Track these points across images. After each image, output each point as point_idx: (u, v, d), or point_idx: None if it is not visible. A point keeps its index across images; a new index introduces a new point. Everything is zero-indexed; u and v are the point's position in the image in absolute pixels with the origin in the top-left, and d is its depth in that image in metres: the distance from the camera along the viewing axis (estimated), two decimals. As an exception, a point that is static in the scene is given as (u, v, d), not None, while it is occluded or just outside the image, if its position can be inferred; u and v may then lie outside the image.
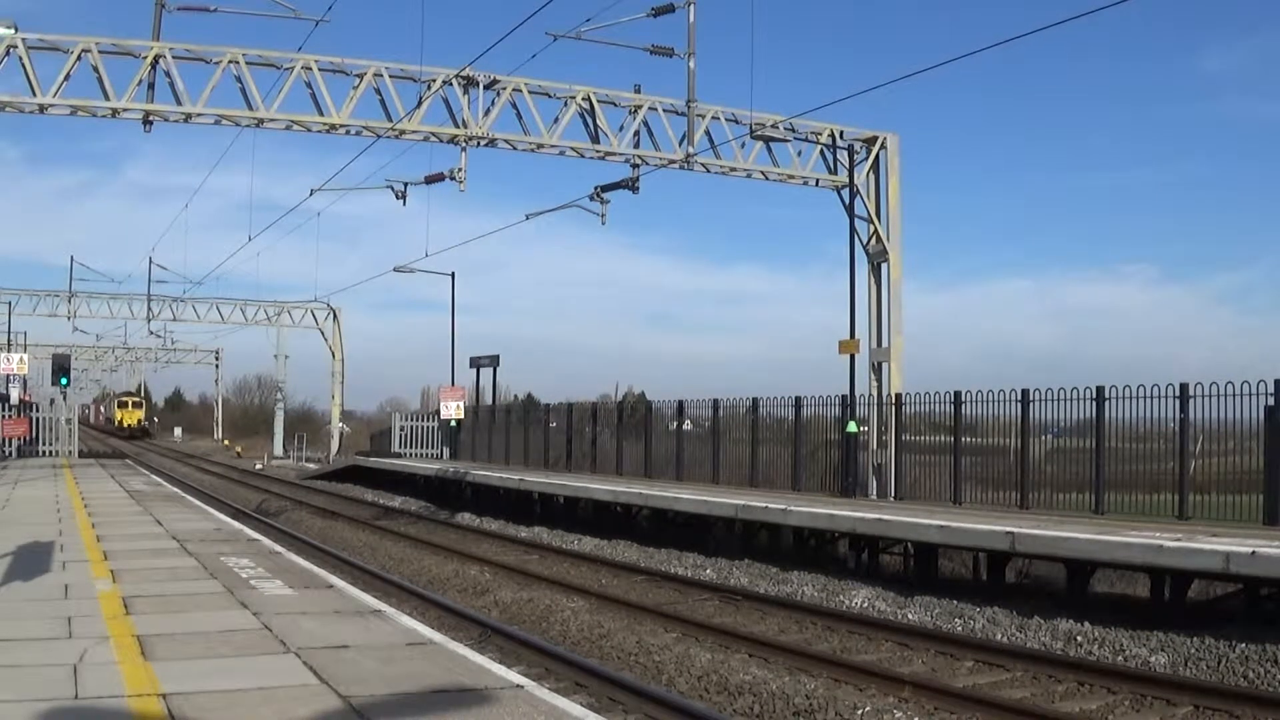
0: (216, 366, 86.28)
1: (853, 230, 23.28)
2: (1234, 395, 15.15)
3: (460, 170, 21.69)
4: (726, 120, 23.99)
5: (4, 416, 39.05)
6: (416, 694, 6.66)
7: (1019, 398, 18.28)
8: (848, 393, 22.01)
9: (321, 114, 21.44)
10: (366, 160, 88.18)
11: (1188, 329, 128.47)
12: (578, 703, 7.38)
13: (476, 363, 39.18)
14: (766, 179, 25.31)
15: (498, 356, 38.69)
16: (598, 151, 23.33)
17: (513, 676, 7.44)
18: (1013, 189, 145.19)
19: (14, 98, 19.91)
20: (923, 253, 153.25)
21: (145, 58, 20.31)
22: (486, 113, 22.30)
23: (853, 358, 22.20)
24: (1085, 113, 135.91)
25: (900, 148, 25.46)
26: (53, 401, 46.82)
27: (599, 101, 23.09)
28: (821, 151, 25.03)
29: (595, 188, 23.09)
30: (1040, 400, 18.03)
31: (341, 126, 21.72)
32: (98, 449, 61.24)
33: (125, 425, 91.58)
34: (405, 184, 22.37)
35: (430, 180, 21.98)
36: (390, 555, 20.10)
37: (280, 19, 20.21)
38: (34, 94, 19.82)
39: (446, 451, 38.22)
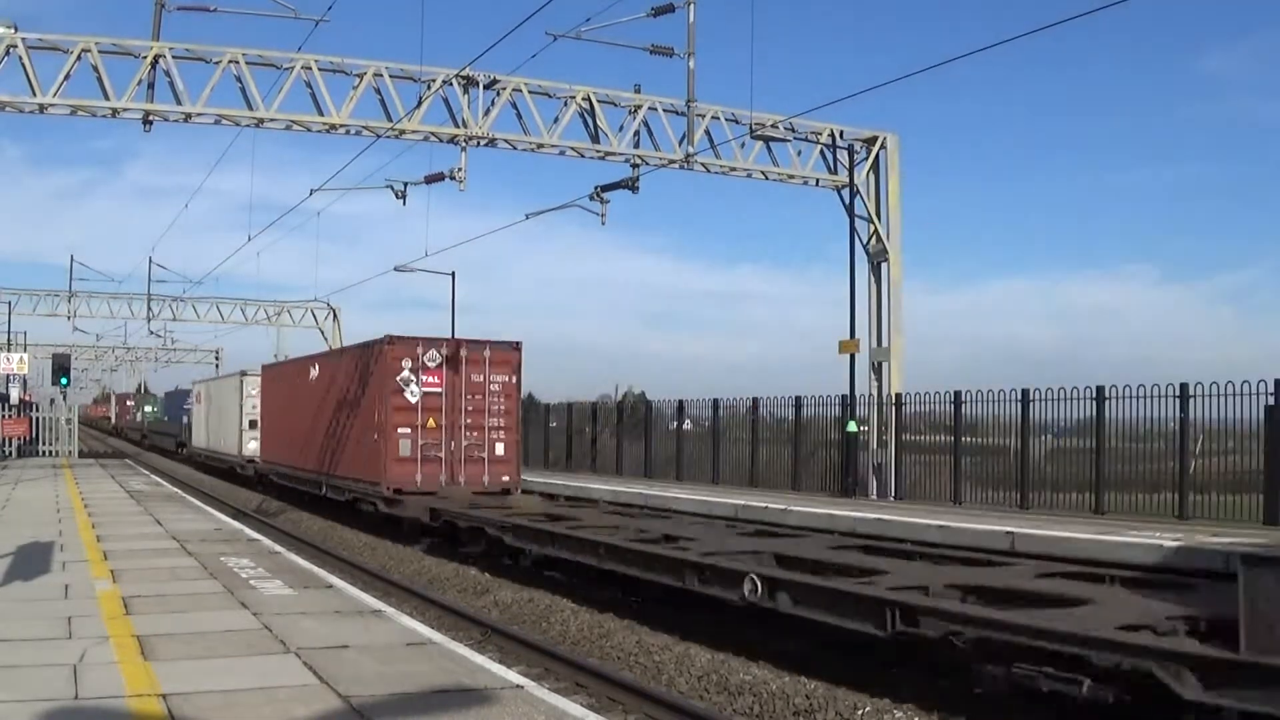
0: (216, 367, 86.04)
1: (853, 230, 23.28)
2: (1234, 395, 15.15)
3: (460, 170, 21.69)
4: (726, 120, 23.99)
5: (4, 416, 39.05)
6: (416, 694, 6.65)
7: (1019, 398, 18.28)
8: (848, 393, 22.01)
9: (321, 114, 21.44)
10: (366, 160, 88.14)
11: (1188, 329, 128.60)
12: (578, 703, 7.38)
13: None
14: (766, 179, 25.31)
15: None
16: (598, 151, 23.33)
17: (512, 676, 7.44)
18: (1013, 189, 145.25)
19: (14, 98, 19.90)
20: (923, 253, 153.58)
21: (145, 58, 20.30)
22: (486, 113, 22.30)
23: (853, 358, 22.20)
24: (1085, 112, 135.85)
25: (900, 148, 25.49)
26: (53, 401, 46.86)
27: (599, 101, 23.09)
28: (821, 151, 25.03)
29: (595, 187, 23.09)
30: (1040, 400, 18.02)
31: (341, 126, 21.72)
32: (98, 449, 61.22)
33: None
34: (405, 184, 22.37)
35: (430, 180, 21.98)
36: (390, 555, 20.08)
37: (280, 19, 20.22)
38: (34, 94, 19.81)
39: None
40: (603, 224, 23.58)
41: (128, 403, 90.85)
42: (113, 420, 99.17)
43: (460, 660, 7.80)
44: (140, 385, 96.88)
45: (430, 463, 21.54)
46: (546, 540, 15.28)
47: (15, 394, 43.86)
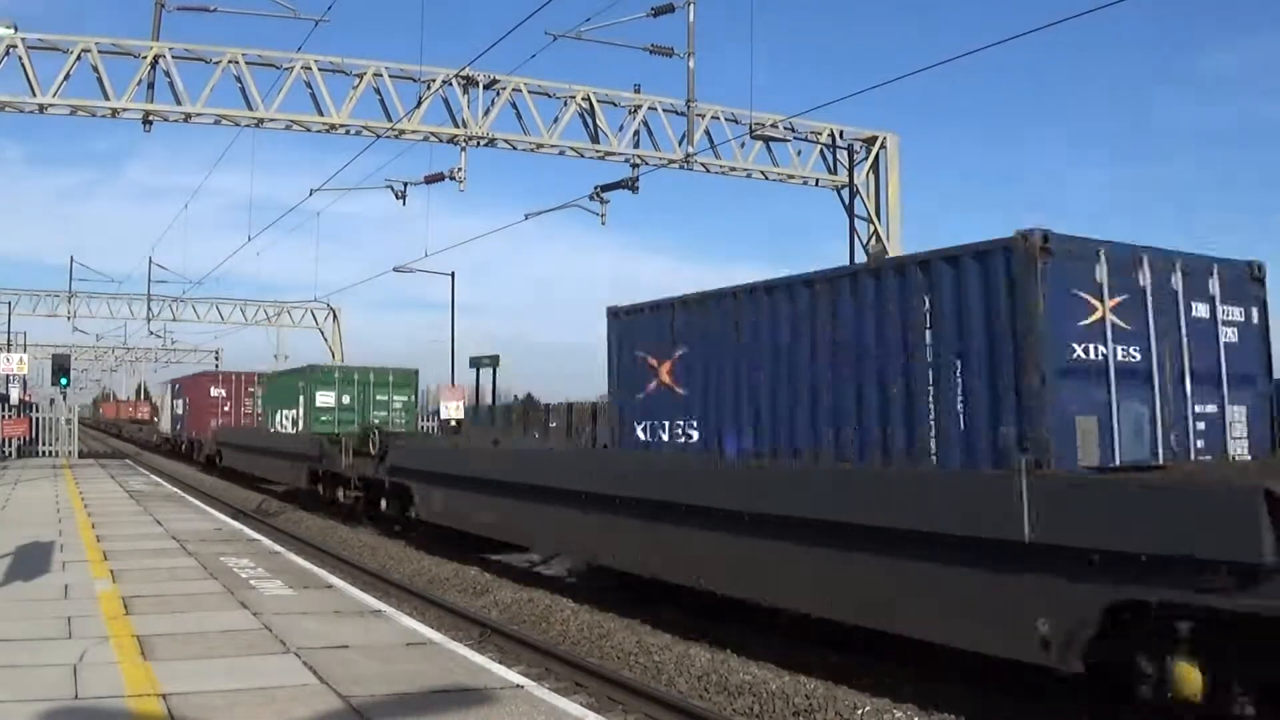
0: (216, 367, 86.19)
1: (852, 230, 23.28)
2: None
3: (460, 170, 21.72)
4: (726, 120, 24.02)
5: (4, 416, 39.03)
6: (416, 694, 6.65)
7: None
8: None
9: (321, 114, 21.47)
10: (366, 160, 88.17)
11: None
12: (577, 703, 7.38)
13: (476, 363, 39.16)
14: (766, 179, 25.34)
15: (498, 356, 38.66)
16: (598, 151, 23.35)
17: (512, 676, 7.44)
18: (1012, 188, 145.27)
19: (14, 98, 19.92)
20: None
21: (145, 58, 20.32)
22: (486, 113, 22.33)
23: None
24: (1084, 112, 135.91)
25: (900, 148, 25.51)
26: (53, 401, 46.83)
27: (599, 101, 23.11)
28: (821, 151, 25.05)
29: (595, 187, 23.12)
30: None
31: (341, 126, 21.74)
32: (98, 449, 61.22)
33: None
34: (405, 184, 22.42)
35: (430, 180, 22.01)
36: (390, 555, 20.06)
37: (280, 19, 20.29)
38: (34, 94, 19.83)
39: (448, 451, 37.21)
40: (603, 224, 23.66)
41: (212, 391, 40.70)
42: (163, 427, 53.97)
43: (460, 660, 7.79)
44: (140, 385, 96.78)
45: None
46: None
47: (15, 394, 43.85)
